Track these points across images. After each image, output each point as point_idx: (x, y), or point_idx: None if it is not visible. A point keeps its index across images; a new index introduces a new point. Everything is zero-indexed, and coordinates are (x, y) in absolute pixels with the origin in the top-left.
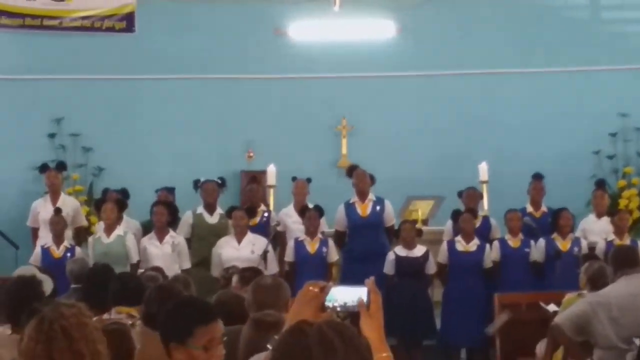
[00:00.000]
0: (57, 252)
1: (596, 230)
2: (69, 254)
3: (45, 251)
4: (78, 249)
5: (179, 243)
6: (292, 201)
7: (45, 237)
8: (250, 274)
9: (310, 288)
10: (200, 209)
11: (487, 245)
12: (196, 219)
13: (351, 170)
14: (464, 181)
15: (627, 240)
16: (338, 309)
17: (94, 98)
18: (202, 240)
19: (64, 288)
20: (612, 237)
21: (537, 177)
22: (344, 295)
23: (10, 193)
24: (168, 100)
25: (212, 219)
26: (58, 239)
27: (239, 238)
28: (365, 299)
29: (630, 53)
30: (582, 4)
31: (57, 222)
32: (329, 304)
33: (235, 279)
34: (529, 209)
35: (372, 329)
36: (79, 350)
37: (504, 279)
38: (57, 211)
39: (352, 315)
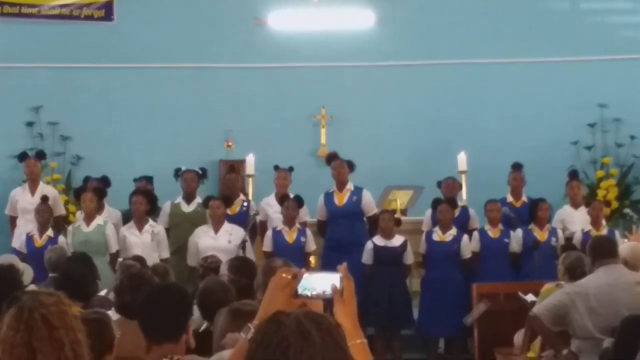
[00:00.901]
0: (40, 240)
1: (576, 221)
2: (50, 243)
3: (29, 239)
4: (62, 238)
5: (158, 232)
6: (274, 191)
7: (23, 226)
8: (239, 262)
9: (283, 275)
10: (179, 199)
11: (465, 236)
12: (173, 208)
13: (330, 159)
14: (443, 171)
15: (604, 231)
16: (310, 295)
17: (72, 86)
18: (177, 229)
19: (44, 277)
20: (589, 227)
21: (517, 167)
22: (317, 283)
23: None
24: (147, 89)
25: (189, 208)
26: (43, 227)
27: (216, 228)
28: (338, 285)
29: (609, 44)
30: None
31: (44, 211)
32: (304, 292)
33: (223, 267)
34: (509, 199)
35: (345, 316)
36: (59, 338)
37: (483, 269)
38: (44, 199)
39: (328, 302)
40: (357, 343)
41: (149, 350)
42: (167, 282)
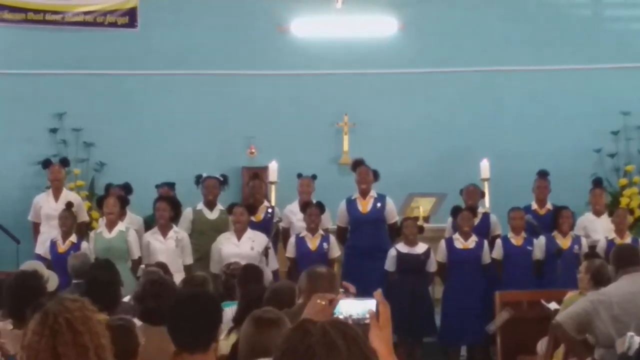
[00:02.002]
0: (63, 246)
1: (598, 229)
2: (73, 250)
3: (53, 245)
4: (85, 244)
5: (182, 238)
6: (297, 198)
7: (46, 232)
8: (245, 272)
9: (318, 301)
10: (200, 205)
11: (485, 242)
12: (196, 215)
13: (356, 165)
14: (466, 178)
15: (628, 239)
16: (341, 318)
17: (95, 93)
18: (201, 236)
19: (68, 283)
20: (613, 235)
21: (542, 174)
22: (353, 308)
23: (12, 187)
24: (170, 96)
25: (212, 215)
26: (66, 233)
27: (239, 234)
28: (374, 311)
29: (632, 51)
30: (585, 1)
31: (66, 217)
32: (338, 316)
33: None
34: (534, 206)
35: (381, 341)
36: (83, 343)
37: (506, 277)
38: (69, 206)
39: (362, 327)
40: None
41: (178, 358)
42: (209, 290)
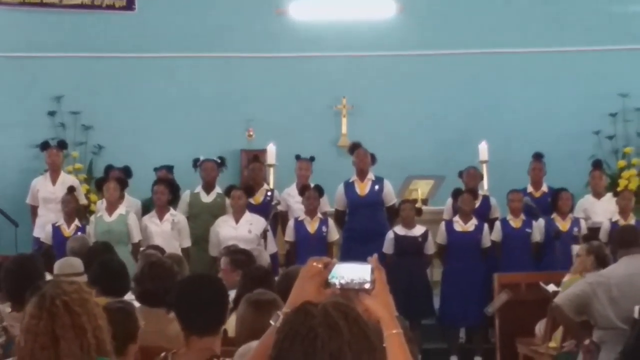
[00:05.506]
0: (68, 230)
1: (598, 211)
2: (79, 233)
3: (56, 229)
4: (89, 228)
5: (179, 221)
6: (295, 181)
7: (44, 215)
8: (242, 257)
9: (314, 264)
10: (198, 188)
11: (485, 225)
12: (192, 198)
13: (353, 148)
14: (464, 161)
15: (631, 220)
16: (340, 284)
17: (94, 76)
18: (196, 219)
19: None
20: (617, 217)
21: (537, 156)
22: (348, 272)
23: (10, 171)
24: (168, 79)
25: (208, 198)
26: (69, 217)
27: (237, 217)
28: (369, 276)
29: (631, 33)
30: None
31: (69, 201)
32: (333, 280)
33: (225, 260)
34: (530, 189)
35: (380, 306)
36: (81, 325)
37: (505, 259)
38: (71, 190)
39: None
40: (392, 333)
41: (187, 342)
42: (183, 272)
